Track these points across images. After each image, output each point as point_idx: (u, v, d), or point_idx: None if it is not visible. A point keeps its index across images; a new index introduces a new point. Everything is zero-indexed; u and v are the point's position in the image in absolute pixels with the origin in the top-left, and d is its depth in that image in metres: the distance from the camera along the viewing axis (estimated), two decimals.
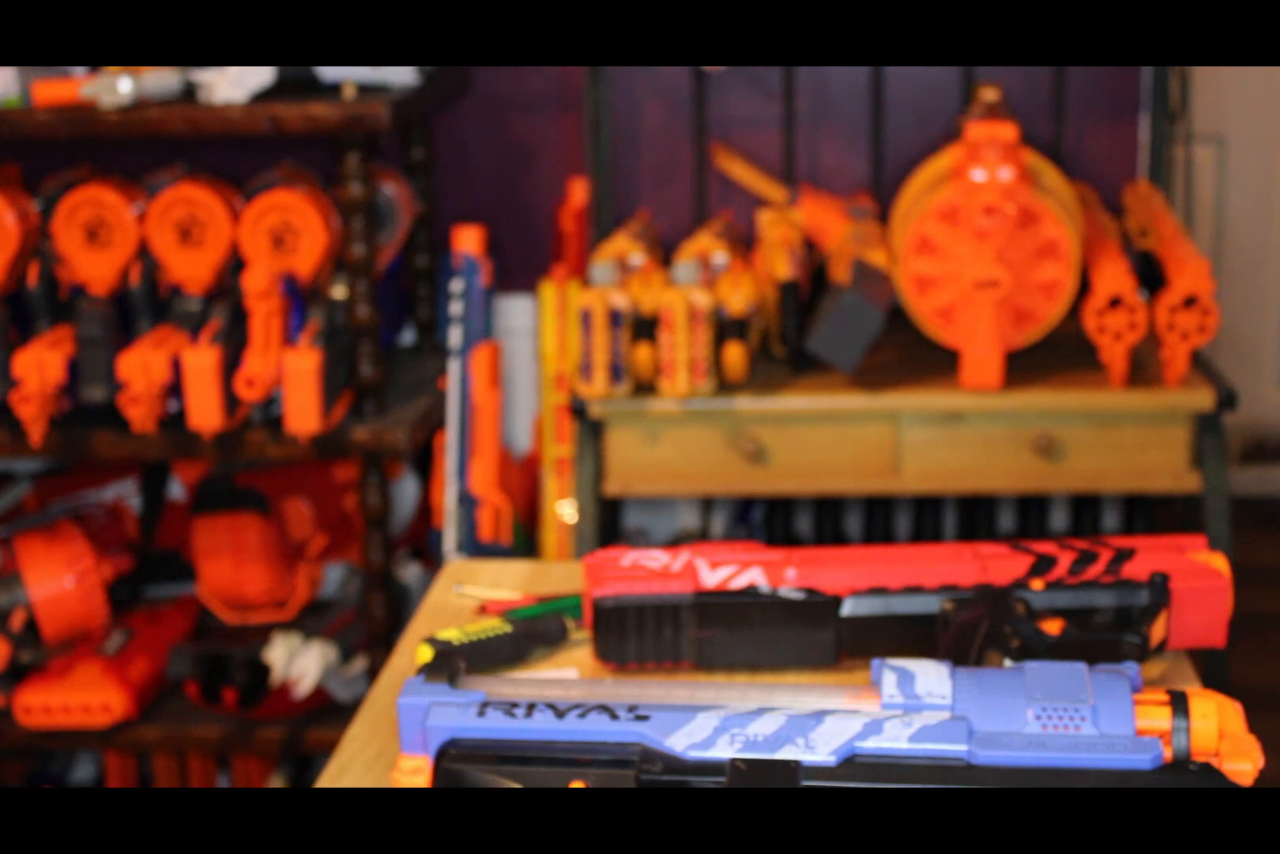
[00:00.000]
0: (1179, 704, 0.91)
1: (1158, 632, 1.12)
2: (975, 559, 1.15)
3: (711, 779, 0.90)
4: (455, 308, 2.34)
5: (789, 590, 1.15)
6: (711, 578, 1.15)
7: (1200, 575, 1.13)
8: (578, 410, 2.21)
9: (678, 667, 1.18)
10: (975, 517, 2.69)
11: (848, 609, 1.14)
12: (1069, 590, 1.12)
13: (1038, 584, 1.13)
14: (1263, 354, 3.51)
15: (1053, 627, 1.12)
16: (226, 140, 2.52)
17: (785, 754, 0.90)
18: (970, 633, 1.08)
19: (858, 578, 1.15)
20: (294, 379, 2.15)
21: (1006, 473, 2.21)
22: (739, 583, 1.15)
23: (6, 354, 2.21)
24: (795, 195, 2.50)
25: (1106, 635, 1.11)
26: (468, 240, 2.37)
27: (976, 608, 1.10)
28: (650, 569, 1.16)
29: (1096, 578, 1.13)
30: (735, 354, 2.19)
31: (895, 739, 0.90)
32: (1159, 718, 0.90)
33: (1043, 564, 1.14)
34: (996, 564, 1.14)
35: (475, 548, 2.36)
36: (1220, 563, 1.14)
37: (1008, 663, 1.00)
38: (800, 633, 1.15)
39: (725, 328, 2.20)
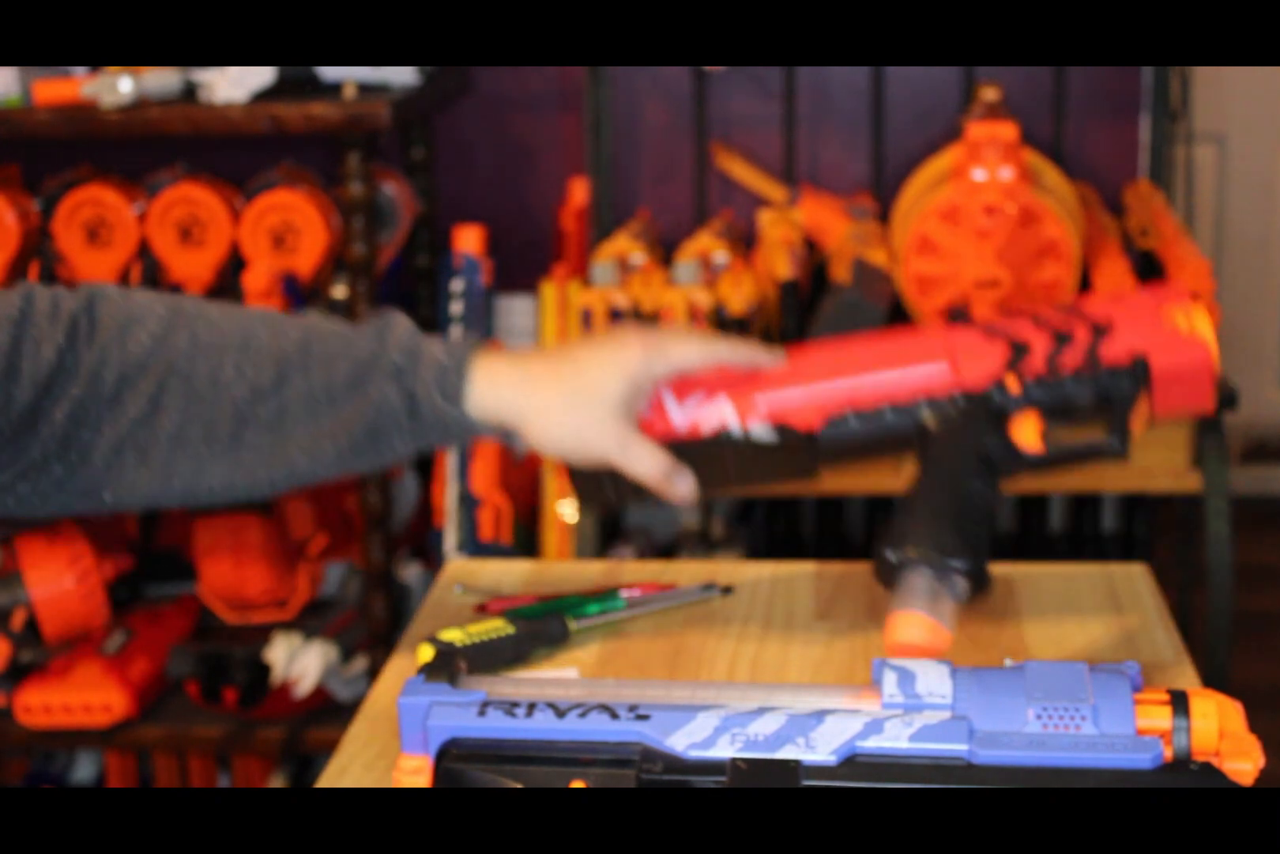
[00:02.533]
0: (1179, 703, 0.91)
1: (1139, 418, 1.10)
2: (946, 353, 1.12)
3: (712, 779, 0.90)
4: (455, 308, 2.34)
5: (761, 429, 1.13)
6: (680, 416, 1.14)
7: (1182, 349, 1.10)
8: None
9: (661, 503, 1.17)
10: None
11: (823, 441, 1.13)
12: (1046, 387, 1.10)
13: (1014, 385, 1.11)
14: (1263, 354, 3.51)
15: (1030, 426, 1.11)
16: (227, 140, 2.52)
17: (785, 754, 0.91)
18: (949, 457, 1.08)
19: (829, 400, 1.12)
20: None
21: None
22: (709, 420, 1.14)
23: None
24: (795, 195, 2.50)
25: (1085, 449, 1.11)
26: (468, 240, 2.37)
27: (951, 426, 1.10)
28: None
29: (1075, 370, 1.10)
30: None
31: (896, 739, 0.90)
32: (1159, 717, 0.90)
33: (1017, 354, 1.11)
34: (969, 361, 1.11)
35: (476, 547, 2.36)
36: (1203, 322, 1.11)
37: (1008, 662, 1.00)
38: (775, 466, 1.15)
39: (725, 327, 2.19)
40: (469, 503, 2.35)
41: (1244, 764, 0.89)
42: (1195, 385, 1.11)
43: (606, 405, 1.10)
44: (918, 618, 1.04)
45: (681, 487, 1.14)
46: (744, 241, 2.50)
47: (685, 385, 1.14)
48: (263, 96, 2.18)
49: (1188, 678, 1.18)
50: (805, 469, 1.15)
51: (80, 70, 2.22)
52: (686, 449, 1.14)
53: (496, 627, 1.21)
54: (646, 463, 1.12)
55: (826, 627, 1.28)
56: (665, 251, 2.52)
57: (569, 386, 1.09)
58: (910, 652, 1.03)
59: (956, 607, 1.06)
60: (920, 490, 1.09)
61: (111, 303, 1.09)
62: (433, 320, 2.59)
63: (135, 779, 2.56)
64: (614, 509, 2.42)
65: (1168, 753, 0.89)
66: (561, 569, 1.44)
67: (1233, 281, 3.38)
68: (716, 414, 1.13)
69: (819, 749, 0.90)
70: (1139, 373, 1.09)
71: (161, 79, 2.16)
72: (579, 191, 2.58)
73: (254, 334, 1.08)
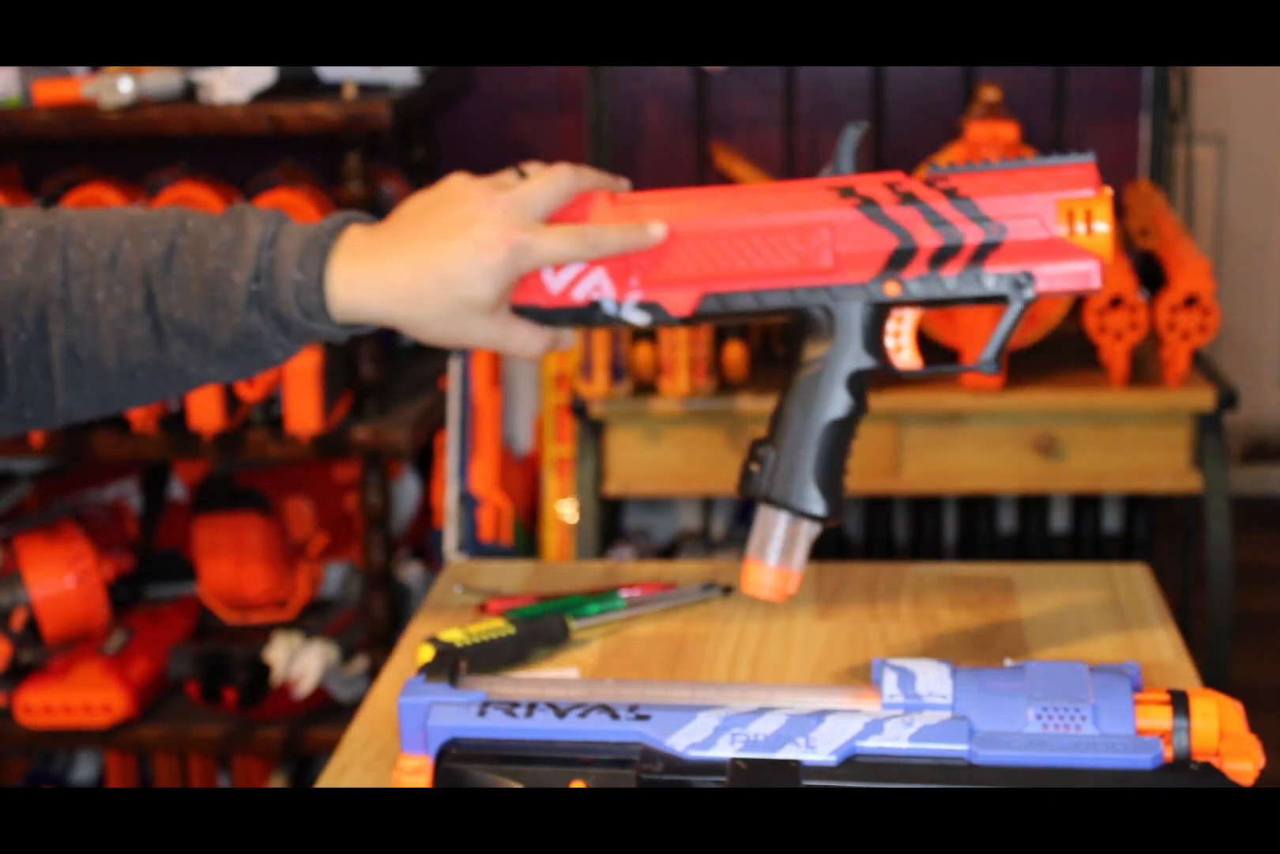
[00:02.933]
0: (1179, 703, 0.91)
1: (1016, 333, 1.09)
2: (830, 240, 1.08)
3: (712, 779, 0.90)
4: None
5: (633, 311, 1.12)
6: (555, 283, 1.12)
7: (1070, 265, 1.06)
8: (578, 410, 2.21)
9: None
10: (975, 517, 2.69)
11: (694, 320, 1.12)
12: (924, 283, 1.08)
13: (892, 289, 1.08)
14: (1263, 354, 3.51)
15: (905, 330, 1.10)
16: (227, 140, 2.52)
17: (786, 754, 0.91)
18: (817, 392, 1.10)
19: (704, 287, 1.11)
20: (295, 378, 2.15)
21: (1006, 473, 2.21)
22: (583, 290, 1.12)
23: None
24: None
25: (958, 368, 1.11)
26: None
27: (824, 343, 1.09)
28: None
29: (957, 274, 1.07)
30: (736, 353, 2.19)
31: (896, 739, 0.90)
32: (1159, 717, 0.91)
33: (901, 256, 1.08)
34: (850, 255, 1.08)
35: (476, 548, 2.36)
36: (1102, 217, 1.05)
37: (1008, 662, 1.00)
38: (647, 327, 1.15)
39: (726, 327, 2.20)
40: (469, 503, 2.35)
41: (1244, 764, 0.89)
42: (1080, 290, 1.08)
43: (478, 312, 1.09)
44: (769, 569, 1.09)
45: (562, 345, 1.15)
46: None
47: None
48: (263, 96, 2.18)
49: (1188, 678, 1.18)
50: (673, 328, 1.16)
51: (80, 70, 2.22)
52: (560, 314, 1.13)
53: (496, 627, 1.21)
54: (527, 348, 1.12)
55: (826, 627, 1.28)
56: None
57: (437, 302, 1.08)
58: (763, 597, 1.10)
59: (809, 544, 1.10)
60: (787, 427, 1.10)
61: None
62: None
63: (135, 779, 2.56)
64: None
65: (1168, 753, 0.89)
66: (561, 569, 1.44)
67: (1233, 281, 3.38)
68: (591, 284, 1.12)
69: (819, 749, 0.90)
70: (1024, 286, 1.07)
71: (161, 79, 2.16)
72: None
73: (120, 249, 1.08)
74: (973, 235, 1.07)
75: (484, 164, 2.72)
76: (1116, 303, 2.14)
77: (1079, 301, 2.24)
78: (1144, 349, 2.26)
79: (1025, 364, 2.22)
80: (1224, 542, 2.17)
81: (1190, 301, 2.14)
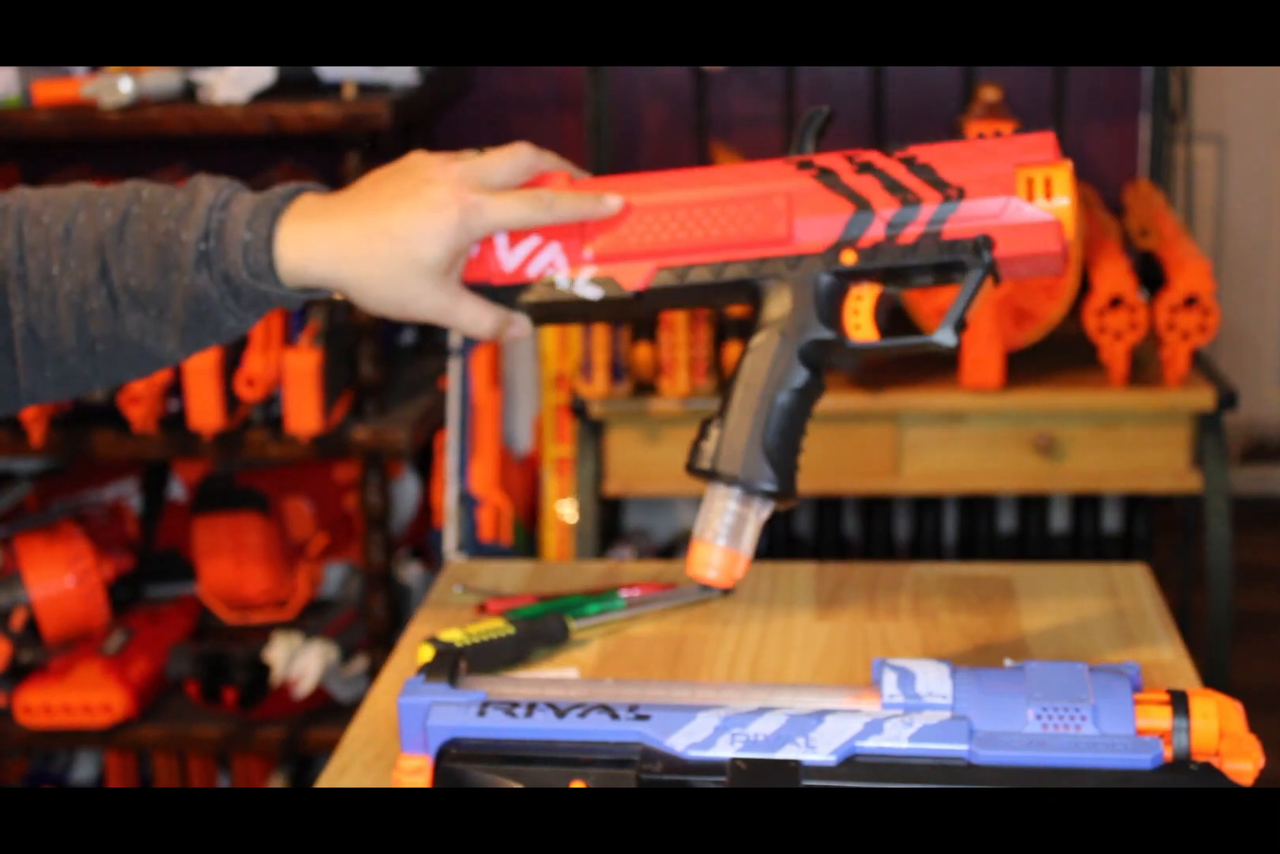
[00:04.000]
0: (1179, 704, 0.91)
1: (978, 303, 1.06)
2: (786, 209, 1.07)
3: (712, 779, 0.90)
4: None
5: (586, 285, 1.10)
6: (510, 260, 1.11)
7: (1029, 229, 1.04)
8: (578, 410, 2.21)
9: None
10: (975, 517, 2.69)
11: (648, 297, 1.11)
12: (882, 253, 1.06)
13: (849, 258, 1.06)
14: (1263, 354, 3.51)
15: (864, 303, 1.08)
16: (227, 140, 2.52)
17: (785, 754, 0.91)
18: (772, 362, 1.06)
19: (658, 260, 1.09)
20: (294, 379, 2.15)
21: (1006, 473, 2.21)
22: (536, 266, 1.11)
23: None
24: None
25: (915, 342, 1.07)
26: None
27: (780, 313, 1.07)
28: None
29: (915, 240, 1.06)
30: (736, 353, 2.19)
31: (896, 739, 0.90)
32: (1159, 717, 0.91)
33: (857, 222, 1.06)
34: (808, 221, 1.07)
35: (476, 548, 2.36)
36: (1062, 187, 1.04)
37: (1008, 662, 1.00)
38: (604, 313, 1.13)
39: (725, 327, 2.20)
40: (469, 503, 2.35)
41: (1244, 764, 0.89)
42: (1042, 263, 1.06)
43: (426, 275, 1.08)
44: (716, 549, 1.04)
45: (515, 331, 1.13)
46: None
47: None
48: (263, 96, 2.17)
49: (1188, 678, 1.18)
50: (634, 316, 1.14)
51: (80, 70, 2.22)
52: (514, 292, 1.12)
53: (496, 627, 1.21)
54: (476, 324, 1.11)
55: (826, 627, 1.28)
56: None
57: (385, 261, 1.08)
58: (708, 581, 1.05)
59: (760, 525, 1.06)
60: (735, 398, 1.06)
61: None
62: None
63: (135, 779, 2.56)
64: None
65: (1168, 753, 0.89)
66: (561, 569, 1.44)
67: (1233, 281, 3.38)
68: (545, 261, 1.11)
69: (819, 749, 0.90)
70: (982, 250, 1.05)
71: (161, 79, 2.16)
72: None
73: (75, 222, 1.08)
74: (930, 199, 1.05)
75: None
76: (1116, 303, 2.14)
77: (1079, 302, 2.24)
78: (1144, 349, 2.26)
79: (1025, 364, 2.23)
80: (1224, 542, 2.17)
81: (1190, 301, 2.14)
